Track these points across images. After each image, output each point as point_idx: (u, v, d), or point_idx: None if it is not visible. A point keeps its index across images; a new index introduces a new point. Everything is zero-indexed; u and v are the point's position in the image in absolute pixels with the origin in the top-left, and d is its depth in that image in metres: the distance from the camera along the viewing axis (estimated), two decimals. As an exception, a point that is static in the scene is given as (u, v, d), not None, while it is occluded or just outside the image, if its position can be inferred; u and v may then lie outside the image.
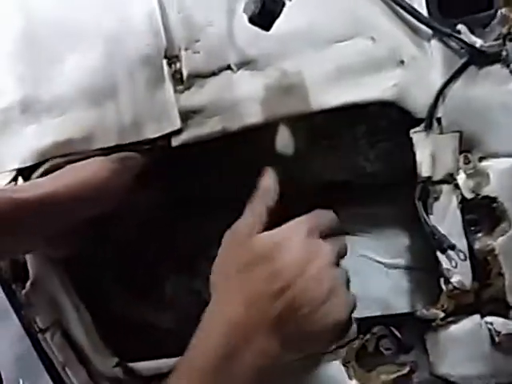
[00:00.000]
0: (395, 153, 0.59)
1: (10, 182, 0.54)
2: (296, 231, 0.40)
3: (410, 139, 0.48)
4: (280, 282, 0.37)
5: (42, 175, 0.54)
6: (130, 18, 0.51)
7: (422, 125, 0.47)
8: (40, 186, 0.47)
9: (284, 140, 0.60)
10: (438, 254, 0.46)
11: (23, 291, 0.54)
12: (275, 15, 0.39)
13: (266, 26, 0.40)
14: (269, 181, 0.46)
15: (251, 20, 0.40)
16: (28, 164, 0.54)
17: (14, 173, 0.54)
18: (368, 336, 0.52)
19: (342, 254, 0.43)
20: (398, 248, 0.60)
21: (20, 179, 0.54)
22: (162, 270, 0.61)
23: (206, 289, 0.42)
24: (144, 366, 0.53)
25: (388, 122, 0.57)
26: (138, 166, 0.50)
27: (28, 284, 0.54)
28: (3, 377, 0.61)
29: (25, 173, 0.54)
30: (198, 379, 0.36)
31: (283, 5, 0.39)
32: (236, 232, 0.42)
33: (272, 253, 0.39)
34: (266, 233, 0.41)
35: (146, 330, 0.59)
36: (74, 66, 0.53)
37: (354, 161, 0.62)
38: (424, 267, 0.57)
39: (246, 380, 0.36)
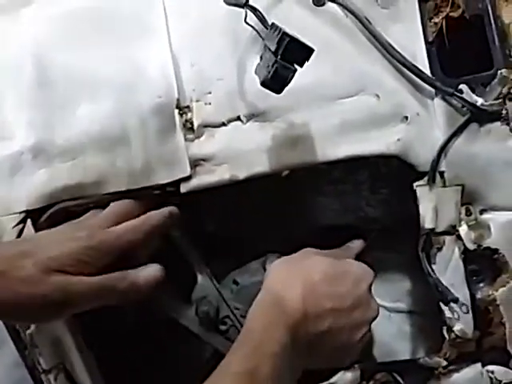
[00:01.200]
0: (397, 199, 0.61)
1: (18, 223, 0.55)
2: (364, 277, 0.49)
3: (413, 190, 0.49)
4: (341, 304, 0.46)
5: (49, 217, 0.55)
6: (144, 69, 0.53)
7: (425, 178, 0.48)
8: None
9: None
10: (441, 305, 0.47)
11: (27, 331, 0.55)
12: (286, 81, 0.41)
13: (277, 90, 0.41)
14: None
15: (263, 84, 0.41)
16: (37, 206, 0.54)
17: (22, 215, 0.55)
18: (371, 383, 0.53)
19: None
20: (400, 292, 0.62)
21: (29, 221, 0.55)
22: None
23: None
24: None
25: (390, 169, 0.59)
26: None
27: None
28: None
29: (33, 215, 0.55)
30: (268, 359, 0.39)
31: (294, 71, 0.41)
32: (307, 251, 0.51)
33: (337, 276, 0.47)
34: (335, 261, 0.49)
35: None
36: (86, 112, 0.54)
37: (356, 206, 0.64)
38: (426, 312, 0.58)
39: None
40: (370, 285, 0.49)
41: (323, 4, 0.51)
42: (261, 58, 0.44)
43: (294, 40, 0.39)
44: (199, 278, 0.54)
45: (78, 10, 0.55)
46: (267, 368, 0.39)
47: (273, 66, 0.40)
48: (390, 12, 0.50)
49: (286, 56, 0.40)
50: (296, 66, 0.41)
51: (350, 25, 0.50)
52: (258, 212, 0.63)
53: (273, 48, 0.40)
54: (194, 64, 0.52)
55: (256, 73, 0.44)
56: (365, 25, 0.49)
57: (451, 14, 0.50)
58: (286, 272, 0.48)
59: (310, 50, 0.40)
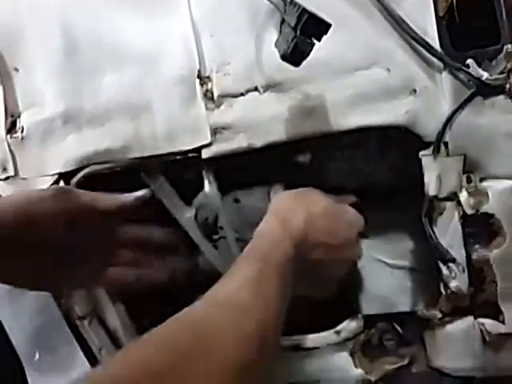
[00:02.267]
0: (404, 163, 0.64)
1: (52, 184, 0.59)
2: (356, 223, 0.55)
3: (419, 159, 0.53)
4: (333, 240, 0.51)
5: (80, 179, 0.59)
6: (166, 41, 0.55)
7: (431, 148, 0.52)
8: None
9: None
10: (440, 263, 0.52)
11: (64, 283, 0.60)
12: (305, 54, 0.44)
13: (297, 63, 0.44)
14: None
15: (283, 57, 0.44)
16: (70, 169, 0.59)
17: (55, 176, 0.59)
18: (373, 330, 0.59)
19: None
20: (402, 250, 0.66)
21: (61, 182, 0.59)
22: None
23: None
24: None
25: (399, 135, 0.62)
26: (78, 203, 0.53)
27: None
28: (19, 351, 0.65)
29: (65, 177, 0.59)
30: (275, 266, 0.43)
31: (313, 45, 0.43)
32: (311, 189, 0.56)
33: (334, 215, 0.52)
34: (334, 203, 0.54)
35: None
36: (112, 81, 0.57)
37: (364, 170, 0.68)
38: (425, 269, 0.63)
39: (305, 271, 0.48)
40: (360, 231, 0.54)
41: (339, -23, 0.52)
42: (280, 32, 0.47)
43: (312, 16, 0.42)
44: (206, 186, 0.58)
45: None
46: (273, 274, 0.42)
47: (292, 41, 0.43)
48: (403, -14, 0.52)
49: (305, 31, 0.42)
50: (314, 41, 0.44)
51: (365, -1, 0.52)
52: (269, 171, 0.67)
53: (292, 23, 0.43)
54: (214, 35, 0.55)
55: (276, 46, 0.47)
56: (379, -1, 0.51)
57: (462, -11, 0.52)
58: (291, 200, 0.52)
59: (328, 25, 0.43)
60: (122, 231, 0.57)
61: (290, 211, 0.50)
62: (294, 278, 0.45)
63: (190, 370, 0.32)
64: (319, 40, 0.44)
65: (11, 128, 0.60)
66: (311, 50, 0.44)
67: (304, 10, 0.41)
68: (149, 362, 0.32)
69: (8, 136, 0.59)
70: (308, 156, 0.66)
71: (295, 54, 0.43)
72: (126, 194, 0.56)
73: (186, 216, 0.58)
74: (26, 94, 0.60)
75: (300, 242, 0.47)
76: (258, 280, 0.41)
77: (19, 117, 0.60)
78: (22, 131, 0.60)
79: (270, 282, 0.41)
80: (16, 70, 0.61)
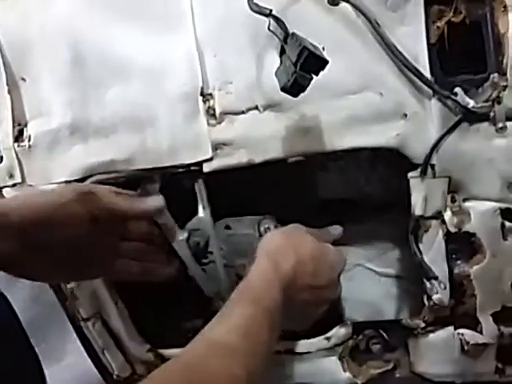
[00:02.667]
0: (392, 177, 0.68)
1: (59, 192, 0.62)
2: (338, 264, 0.57)
3: (407, 180, 0.56)
4: (318, 282, 0.53)
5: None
6: (171, 57, 0.58)
7: (418, 170, 0.55)
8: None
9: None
10: (424, 279, 0.56)
11: (68, 286, 0.63)
12: (304, 88, 0.47)
13: (295, 95, 0.47)
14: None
15: (283, 89, 0.47)
16: (75, 178, 0.61)
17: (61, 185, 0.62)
18: (360, 337, 0.63)
19: None
20: (389, 259, 0.70)
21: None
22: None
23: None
24: (172, 352, 0.64)
25: (388, 152, 0.65)
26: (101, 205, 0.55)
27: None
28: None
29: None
30: (264, 311, 0.46)
31: (311, 79, 0.46)
32: (298, 227, 0.58)
33: (320, 258, 0.54)
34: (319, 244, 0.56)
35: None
36: (117, 94, 0.60)
37: (355, 182, 0.71)
38: (411, 278, 0.67)
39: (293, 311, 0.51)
40: (341, 271, 0.58)
41: (337, 4, 0.55)
42: (280, 62, 0.50)
43: (312, 53, 0.45)
44: (200, 211, 0.61)
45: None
46: (263, 318, 0.45)
47: (292, 75, 0.46)
48: (397, 15, 0.54)
49: (305, 67, 0.45)
50: (312, 75, 0.46)
51: (361, 25, 0.55)
52: (262, 181, 0.70)
53: (293, 59, 0.46)
54: (217, 55, 0.58)
55: (276, 75, 0.50)
56: (374, 26, 0.54)
57: (453, 19, 0.55)
58: (282, 241, 0.55)
59: (326, 62, 0.46)
60: (130, 226, 0.59)
61: (280, 254, 0.52)
62: (282, 320, 0.48)
63: None
64: (317, 75, 0.46)
65: (18, 136, 0.63)
66: (309, 84, 0.47)
67: (305, 48, 0.44)
68: None
69: (15, 144, 0.62)
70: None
71: (294, 87, 0.46)
72: (143, 200, 0.59)
73: (179, 238, 0.61)
74: (33, 103, 0.63)
75: (289, 285, 0.50)
76: (249, 324, 0.44)
77: (26, 126, 0.63)
78: (29, 140, 0.62)
79: (260, 326, 0.44)
80: (23, 79, 0.63)
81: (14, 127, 0.62)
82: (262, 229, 0.62)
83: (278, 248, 0.54)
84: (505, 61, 0.53)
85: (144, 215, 0.59)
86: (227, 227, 0.63)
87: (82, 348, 0.66)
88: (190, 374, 0.38)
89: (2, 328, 0.43)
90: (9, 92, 0.62)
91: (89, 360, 0.66)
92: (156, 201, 0.59)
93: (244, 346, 0.41)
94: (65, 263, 0.53)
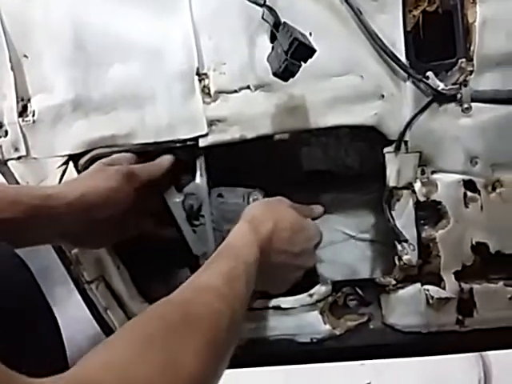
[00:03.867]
0: (369, 150, 0.75)
1: (62, 165, 0.67)
2: (315, 237, 0.65)
3: (383, 154, 0.63)
4: (293, 249, 0.61)
5: (87, 161, 0.67)
6: (169, 38, 0.62)
7: (393, 145, 0.62)
8: (65, 191, 0.59)
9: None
10: (395, 242, 0.63)
11: (73, 251, 0.68)
12: (294, 74, 0.52)
13: (285, 79, 0.53)
14: None
15: (275, 74, 0.52)
16: (78, 151, 0.66)
17: (65, 158, 0.66)
18: (339, 294, 0.70)
19: None
20: (365, 225, 0.77)
21: (70, 163, 0.66)
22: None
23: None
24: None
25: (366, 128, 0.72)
26: (139, 180, 0.64)
27: (77, 245, 0.68)
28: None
29: (74, 158, 0.67)
30: (243, 264, 0.52)
31: (300, 66, 0.52)
32: (282, 200, 0.65)
33: (297, 229, 0.62)
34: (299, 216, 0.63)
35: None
36: (118, 72, 0.64)
37: (335, 154, 0.78)
38: (384, 241, 0.74)
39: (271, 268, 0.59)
40: (318, 243, 0.65)
41: (323, -9, 0.60)
42: (272, 48, 0.55)
43: (302, 43, 0.50)
44: (197, 178, 0.67)
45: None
46: (242, 271, 0.51)
47: (283, 62, 0.51)
48: (378, 4, 0.59)
49: (295, 56, 0.51)
50: (301, 62, 0.52)
51: (345, 12, 0.60)
52: (253, 156, 0.75)
53: (285, 47, 0.51)
54: (212, 37, 0.62)
55: (268, 61, 0.55)
56: (356, 14, 0.59)
57: (428, 8, 0.61)
58: (263, 211, 0.62)
59: (313, 51, 0.51)
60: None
61: (260, 220, 0.59)
62: (258, 276, 0.54)
63: (180, 343, 0.39)
64: (306, 62, 0.52)
65: (23, 112, 0.66)
66: (298, 70, 0.52)
67: (295, 39, 0.49)
68: (146, 335, 0.38)
69: (20, 119, 0.66)
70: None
71: (285, 73, 0.52)
72: (158, 162, 0.67)
73: (175, 200, 0.67)
74: (36, 79, 0.66)
75: (265, 247, 0.57)
76: (230, 274, 0.50)
77: (29, 101, 0.66)
78: (34, 115, 0.66)
79: (239, 277, 0.50)
80: (25, 56, 0.66)
81: (17, 102, 0.66)
82: (250, 199, 0.68)
83: (259, 215, 0.60)
84: (472, 48, 0.59)
85: (166, 172, 0.67)
86: (220, 195, 0.68)
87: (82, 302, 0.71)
88: (184, 312, 0.42)
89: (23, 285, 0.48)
90: (12, 68, 0.65)
91: (89, 315, 0.72)
92: (167, 158, 0.67)
93: (228, 289, 0.47)
94: (113, 232, 0.64)
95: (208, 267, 0.51)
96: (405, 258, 0.64)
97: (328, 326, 0.69)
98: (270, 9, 0.53)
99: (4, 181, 0.68)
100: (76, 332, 0.73)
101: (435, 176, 0.63)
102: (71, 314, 0.72)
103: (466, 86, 0.60)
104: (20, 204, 0.54)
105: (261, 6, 0.54)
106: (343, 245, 0.77)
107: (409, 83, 0.60)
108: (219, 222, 0.68)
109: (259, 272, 0.55)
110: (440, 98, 0.60)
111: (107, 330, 0.72)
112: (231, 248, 0.55)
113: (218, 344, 0.42)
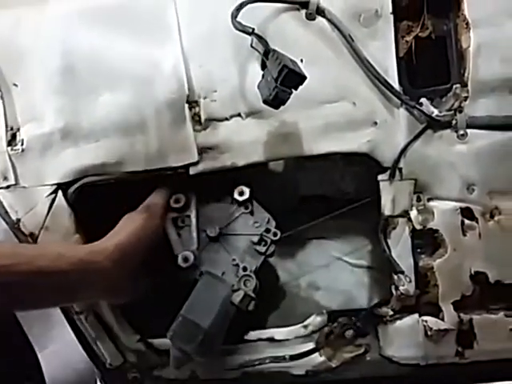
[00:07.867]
0: (365, 176, 0.73)
1: (51, 193, 0.65)
2: None
3: (377, 182, 0.62)
4: None
5: (77, 189, 0.65)
6: (159, 66, 0.61)
7: (387, 172, 0.60)
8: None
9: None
10: (392, 273, 0.62)
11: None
12: (284, 101, 0.51)
13: (276, 107, 0.52)
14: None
15: (265, 102, 0.52)
16: (67, 180, 0.65)
17: (54, 187, 0.65)
18: (335, 324, 0.68)
19: None
20: (361, 252, 0.76)
21: (60, 192, 0.65)
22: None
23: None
24: (161, 341, 0.68)
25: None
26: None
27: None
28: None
29: (63, 186, 0.65)
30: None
31: (291, 93, 0.51)
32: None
33: None
34: None
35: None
36: (108, 100, 0.63)
37: (331, 179, 0.76)
38: (380, 268, 0.73)
39: None
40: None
41: (314, 19, 0.59)
42: (262, 76, 0.54)
43: (291, 71, 0.49)
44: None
45: (102, 6, 0.62)
46: None
47: (273, 90, 0.50)
48: (369, 30, 0.59)
49: (285, 83, 0.50)
50: (292, 90, 0.51)
51: (336, 39, 0.59)
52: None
53: (274, 75, 0.50)
54: (202, 65, 0.61)
55: (258, 88, 0.54)
56: (348, 41, 0.59)
57: (420, 34, 0.60)
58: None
59: (304, 78, 0.50)
60: None
61: None
62: None
63: None
64: (296, 89, 0.51)
65: (11, 140, 0.65)
66: (289, 97, 0.51)
67: (285, 66, 0.48)
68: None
69: (9, 148, 0.65)
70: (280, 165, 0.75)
71: (275, 101, 0.51)
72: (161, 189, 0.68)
73: None
74: (25, 108, 0.65)
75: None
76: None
77: (19, 130, 0.65)
78: (22, 144, 0.65)
79: None
80: (15, 85, 0.65)
81: (6, 131, 0.65)
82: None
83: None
84: (466, 73, 0.58)
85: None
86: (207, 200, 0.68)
87: (67, 335, 0.70)
88: None
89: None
90: (1, 97, 0.64)
91: (75, 346, 0.70)
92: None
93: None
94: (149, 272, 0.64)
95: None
96: (402, 288, 0.62)
97: (323, 358, 0.67)
98: (259, 37, 0.53)
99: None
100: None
101: (431, 203, 0.61)
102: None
103: (460, 112, 0.59)
104: None
105: (249, 34, 0.53)
106: (339, 271, 0.76)
107: (402, 110, 0.59)
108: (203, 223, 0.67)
109: None
110: (434, 125, 0.59)
111: (98, 362, 0.70)
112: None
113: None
